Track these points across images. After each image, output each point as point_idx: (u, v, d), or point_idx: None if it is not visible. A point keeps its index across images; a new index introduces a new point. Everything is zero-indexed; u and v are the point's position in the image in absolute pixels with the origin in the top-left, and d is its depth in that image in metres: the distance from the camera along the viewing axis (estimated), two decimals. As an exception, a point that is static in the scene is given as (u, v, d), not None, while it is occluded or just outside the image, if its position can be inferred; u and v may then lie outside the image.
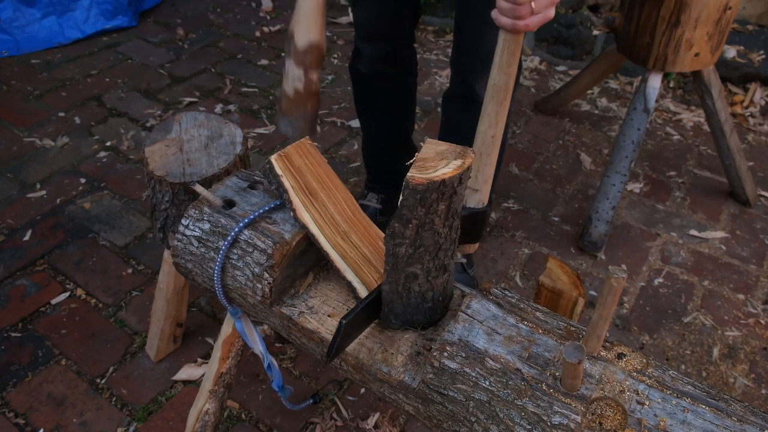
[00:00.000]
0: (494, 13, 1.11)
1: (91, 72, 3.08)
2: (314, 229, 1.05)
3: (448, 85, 3.09)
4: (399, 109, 2.04)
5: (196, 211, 1.13)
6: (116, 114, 2.80)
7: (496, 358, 0.90)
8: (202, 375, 1.60)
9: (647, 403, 0.84)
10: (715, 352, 1.88)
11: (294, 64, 1.42)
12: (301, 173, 1.07)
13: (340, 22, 3.65)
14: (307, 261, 1.12)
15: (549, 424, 0.84)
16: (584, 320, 1.84)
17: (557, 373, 0.87)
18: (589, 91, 3.05)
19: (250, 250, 1.06)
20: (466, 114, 1.75)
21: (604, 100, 3.03)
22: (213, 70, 3.17)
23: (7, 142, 2.59)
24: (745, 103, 2.95)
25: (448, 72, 3.22)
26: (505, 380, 0.88)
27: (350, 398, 1.70)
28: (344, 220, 1.08)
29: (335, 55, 3.33)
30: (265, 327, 1.74)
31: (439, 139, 1.83)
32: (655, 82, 2.08)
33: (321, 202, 1.07)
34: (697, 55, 2.02)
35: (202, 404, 1.37)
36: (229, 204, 1.14)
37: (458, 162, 0.85)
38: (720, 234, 2.29)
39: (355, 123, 2.78)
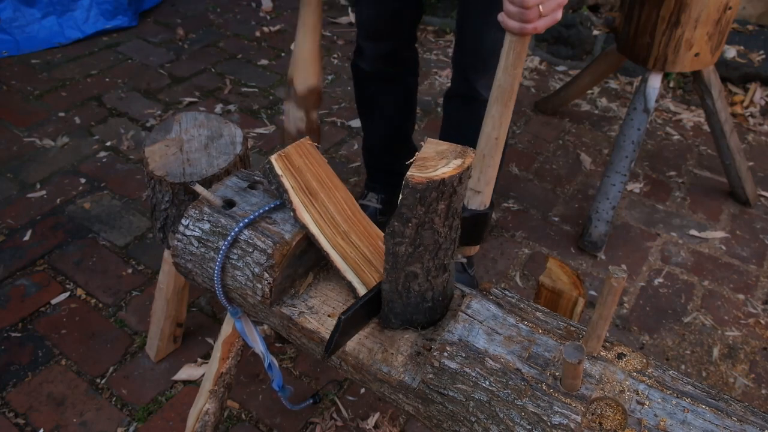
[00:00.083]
0: (501, 17, 1.10)
1: (91, 72, 3.08)
2: (314, 229, 1.05)
3: (448, 85, 3.10)
4: (399, 109, 2.05)
5: (196, 211, 1.13)
6: (116, 114, 2.80)
7: (496, 358, 0.90)
8: (202, 375, 1.60)
9: (647, 403, 0.84)
10: (715, 352, 1.88)
11: (295, 106, 1.56)
12: (301, 173, 1.07)
13: (340, 22, 3.65)
14: (307, 261, 1.12)
15: (549, 424, 0.84)
16: (584, 320, 1.84)
17: (557, 373, 0.87)
18: (589, 91, 3.05)
19: (250, 250, 1.06)
20: (467, 112, 1.75)
21: (604, 100, 3.03)
22: (213, 70, 3.17)
23: (7, 142, 2.59)
24: (745, 103, 2.95)
25: (448, 72, 3.22)
26: (505, 380, 0.88)
27: (350, 398, 1.70)
28: (344, 220, 1.08)
29: (335, 55, 3.33)
30: (265, 327, 1.74)
31: (441, 138, 1.85)
32: (655, 82, 2.08)
33: (321, 202, 1.07)
34: (697, 55, 2.02)
35: (202, 404, 1.37)
36: (229, 204, 1.14)
37: (458, 161, 0.85)
38: (720, 234, 2.29)
39: (355, 123, 2.78)
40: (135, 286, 1.99)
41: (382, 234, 1.11)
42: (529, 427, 0.85)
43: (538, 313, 0.97)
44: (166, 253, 1.55)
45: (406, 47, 1.90)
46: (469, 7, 1.62)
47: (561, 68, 3.30)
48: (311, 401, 1.64)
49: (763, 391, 1.77)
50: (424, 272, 0.94)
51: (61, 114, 2.77)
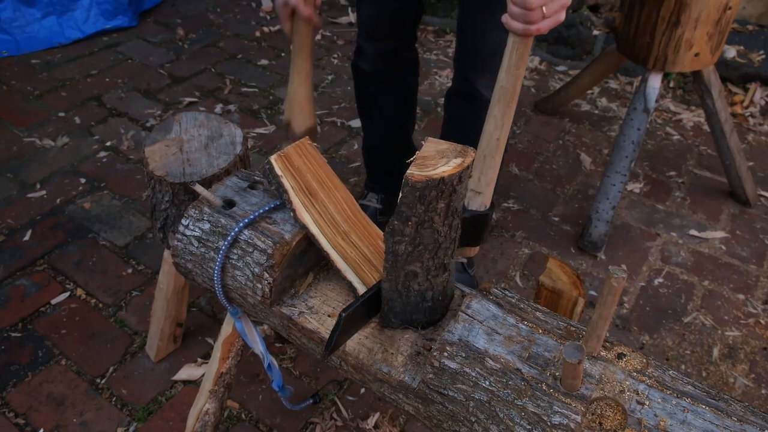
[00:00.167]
0: (505, 18, 1.10)
1: (91, 72, 3.08)
2: (314, 229, 1.05)
3: (448, 85, 3.10)
4: (399, 109, 2.05)
5: (196, 211, 1.13)
6: (116, 114, 2.80)
7: (496, 358, 0.90)
8: (202, 375, 1.60)
9: (647, 403, 0.84)
10: (715, 352, 1.88)
11: None
12: (300, 173, 1.07)
13: (340, 22, 3.65)
14: (307, 261, 1.12)
15: (549, 424, 0.84)
16: (584, 320, 1.84)
17: (557, 373, 0.87)
18: (589, 91, 3.05)
19: (250, 250, 1.06)
20: (468, 111, 1.75)
21: (604, 100, 3.03)
22: (213, 70, 3.17)
23: (7, 142, 2.59)
24: (745, 103, 2.95)
25: (448, 72, 3.22)
26: (505, 380, 0.88)
27: (350, 398, 1.70)
28: (344, 220, 1.08)
29: (335, 55, 3.33)
30: (265, 327, 1.74)
31: (442, 137, 1.85)
32: (655, 82, 2.08)
33: (321, 202, 1.07)
34: (697, 55, 2.02)
35: (202, 404, 1.37)
36: (229, 204, 1.14)
37: (458, 160, 0.85)
38: (720, 234, 2.29)
39: (355, 123, 2.78)
40: (135, 286, 1.99)
41: (382, 234, 1.11)
42: (529, 427, 0.85)
43: (538, 313, 0.97)
44: (166, 253, 1.55)
45: (406, 47, 1.91)
46: (470, 8, 1.62)
47: (561, 68, 3.30)
48: (311, 401, 1.64)
49: (763, 391, 1.77)
50: (424, 271, 0.94)
51: (61, 114, 2.77)
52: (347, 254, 1.06)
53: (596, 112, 2.96)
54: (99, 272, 2.03)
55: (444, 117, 1.91)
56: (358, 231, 1.09)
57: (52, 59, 3.16)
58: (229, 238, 1.07)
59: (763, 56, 3.01)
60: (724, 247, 2.24)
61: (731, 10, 1.95)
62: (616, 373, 0.87)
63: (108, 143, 2.61)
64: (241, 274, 1.08)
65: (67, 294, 1.95)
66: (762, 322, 1.97)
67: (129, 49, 3.30)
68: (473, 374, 0.90)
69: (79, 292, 1.96)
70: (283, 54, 3.33)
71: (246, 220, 1.08)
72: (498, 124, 1.17)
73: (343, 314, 0.95)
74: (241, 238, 1.07)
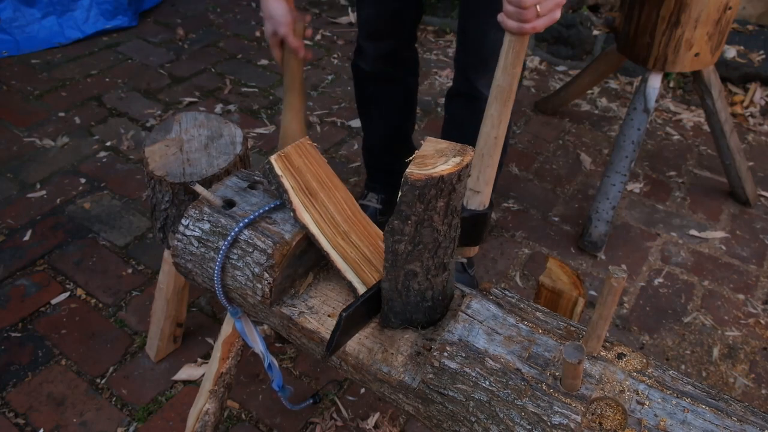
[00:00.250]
0: (500, 17, 1.11)
1: (91, 72, 3.08)
2: (314, 229, 1.05)
3: (448, 85, 3.10)
4: (399, 109, 2.05)
5: (196, 211, 1.13)
6: (116, 114, 2.80)
7: (496, 358, 0.90)
8: (202, 375, 1.60)
9: (647, 403, 0.84)
10: (715, 352, 1.88)
11: None
12: (300, 173, 1.07)
13: (340, 22, 3.65)
14: (307, 261, 1.12)
15: (549, 424, 0.84)
16: (584, 320, 1.84)
17: (557, 373, 0.87)
18: (589, 91, 3.05)
19: (250, 250, 1.06)
20: (468, 111, 1.76)
21: (604, 100, 3.03)
22: (213, 70, 3.17)
23: (7, 142, 2.59)
24: (745, 103, 2.95)
25: (448, 72, 3.22)
26: (505, 380, 0.88)
27: (350, 398, 1.70)
28: (344, 220, 1.08)
29: (335, 55, 3.33)
30: (265, 327, 1.74)
31: (442, 137, 1.85)
32: (655, 82, 2.08)
33: (321, 202, 1.07)
34: (697, 55, 2.02)
35: (202, 404, 1.37)
36: (229, 204, 1.14)
37: (457, 159, 0.85)
38: (720, 234, 2.29)
39: (355, 123, 2.78)
40: (135, 286, 1.99)
41: (382, 234, 1.11)
42: (529, 427, 0.85)
43: (538, 313, 0.97)
44: (166, 253, 1.55)
45: (407, 47, 1.91)
46: (471, 8, 1.63)
47: (561, 68, 3.30)
48: (311, 401, 1.64)
49: (763, 391, 1.77)
50: (424, 271, 0.94)
51: (61, 114, 2.77)
52: (347, 254, 1.06)
53: (596, 112, 2.96)
54: (99, 272, 2.03)
55: (445, 117, 1.91)
56: (358, 231, 1.09)
57: (52, 59, 3.16)
58: (229, 238, 1.07)
59: (763, 56, 3.01)
60: (724, 247, 2.24)
61: (731, 10, 1.95)
62: (616, 373, 0.87)
63: (108, 143, 2.61)
64: (241, 274, 1.08)
65: (67, 294, 1.95)
66: (762, 322, 1.97)
67: (129, 49, 3.30)
68: (473, 374, 0.90)
69: (79, 292, 1.96)
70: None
71: (246, 220, 1.08)
72: (495, 122, 1.17)
73: (344, 314, 0.95)
74: (241, 238, 1.07)
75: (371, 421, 1.64)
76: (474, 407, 0.90)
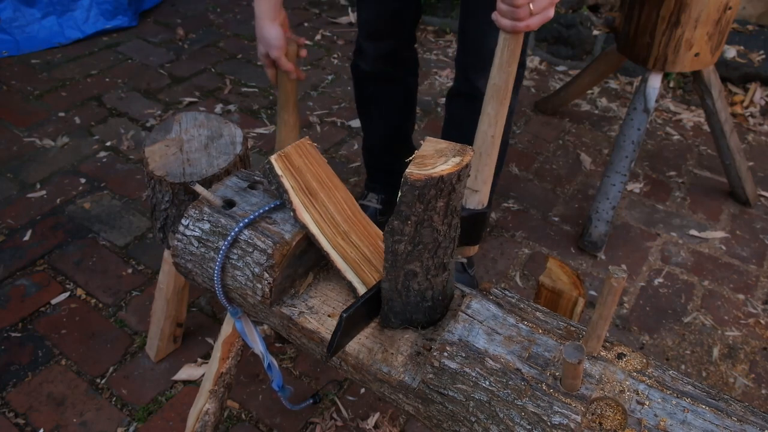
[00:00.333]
0: (494, 15, 1.12)
1: (91, 72, 3.08)
2: (314, 229, 1.05)
3: (448, 85, 3.10)
4: (399, 109, 2.05)
5: (196, 211, 1.13)
6: (116, 114, 2.80)
7: (496, 358, 0.90)
8: (202, 375, 1.60)
9: (647, 403, 0.84)
10: (715, 352, 1.88)
11: None
12: (301, 173, 1.07)
13: (340, 22, 3.66)
14: (307, 261, 1.12)
15: (549, 424, 0.84)
16: (584, 320, 1.84)
17: (557, 373, 0.87)
18: (589, 91, 3.05)
19: (250, 250, 1.06)
20: (469, 111, 1.76)
21: (604, 100, 3.03)
22: (213, 70, 3.17)
23: (7, 142, 2.59)
24: (745, 103, 2.95)
25: (448, 72, 3.22)
26: (505, 380, 0.88)
27: (350, 398, 1.70)
28: (344, 220, 1.08)
29: (335, 55, 3.34)
30: (265, 327, 1.74)
31: (443, 137, 1.85)
32: (655, 82, 2.08)
33: (321, 202, 1.07)
34: (697, 55, 2.02)
35: (202, 404, 1.37)
36: (229, 204, 1.14)
37: (457, 159, 0.85)
38: (720, 234, 2.29)
39: (355, 123, 2.78)
40: (135, 286, 1.99)
41: (383, 234, 1.11)
42: (529, 427, 0.85)
43: (538, 313, 0.97)
44: (166, 253, 1.55)
45: (406, 47, 1.91)
46: (471, 8, 1.63)
47: (561, 68, 3.30)
48: (311, 401, 1.64)
49: (763, 391, 1.77)
50: (424, 271, 0.94)
51: (61, 114, 2.77)
52: (347, 254, 1.06)
53: (596, 112, 2.96)
54: (99, 272, 2.03)
55: (445, 117, 1.92)
56: (358, 231, 1.09)
57: (52, 59, 3.16)
58: (229, 238, 1.07)
59: (763, 56, 3.01)
60: (724, 247, 2.24)
61: (731, 10, 1.95)
62: (616, 373, 0.87)
63: (108, 143, 2.61)
64: (241, 274, 1.08)
65: (67, 294, 1.95)
66: (762, 322, 1.97)
67: (129, 49, 3.30)
68: (473, 374, 0.90)
69: (79, 292, 1.96)
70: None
71: (246, 220, 1.08)
72: (492, 121, 1.17)
73: (344, 315, 0.95)
74: (241, 238, 1.07)
75: (371, 421, 1.64)
76: (474, 407, 0.90)
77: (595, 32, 3.24)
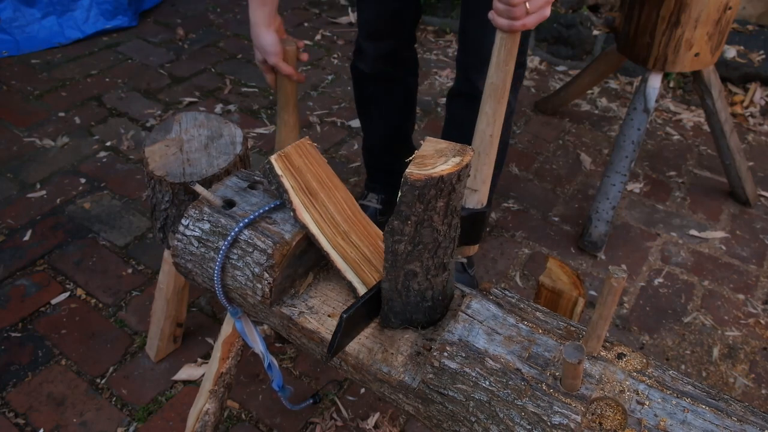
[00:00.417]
0: (491, 15, 1.12)
1: (91, 72, 3.08)
2: (314, 229, 1.05)
3: (448, 85, 3.10)
4: (399, 110, 2.05)
5: (196, 211, 1.13)
6: (116, 114, 2.80)
7: (496, 358, 0.90)
8: (202, 375, 1.60)
9: (647, 403, 0.84)
10: (715, 352, 1.88)
11: None
12: (301, 173, 1.07)
13: (340, 22, 3.65)
14: (307, 261, 1.12)
15: (549, 424, 0.84)
16: (584, 320, 1.84)
17: (557, 373, 0.87)
18: (589, 91, 3.05)
19: (250, 250, 1.06)
20: (469, 111, 1.76)
21: (604, 100, 3.03)
22: (213, 70, 3.17)
23: (7, 142, 2.59)
24: (745, 103, 2.95)
25: (448, 72, 3.22)
26: (505, 380, 0.88)
27: (350, 398, 1.70)
28: (344, 220, 1.08)
29: (335, 55, 3.34)
30: (265, 327, 1.74)
31: (443, 136, 1.85)
32: (655, 82, 2.08)
33: (321, 202, 1.07)
34: (697, 55, 2.02)
35: (202, 404, 1.37)
36: (229, 204, 1.14)
37: (457, 159, 0.85)
38: (720, 234, 2.29)
39: (355, 123, 2.78)
40: (135, 286, 1.99)
41: (383, 234, 1.11)
42: (529, 427, 0.85)
43: (538, 313, 0.97)
44: (166, 253, 1.55)
45: (406, 47, 1.91)
46: (471, 8, 1.63)
47: (561, 68, 3.30)
48: (311, 401, 1.64)
49: (763, 391, 1.77)
50: (424, 271, 0.94)
51: (61, 114, 2.77)
52: (347, 254, 1.06)
53: (596, 112, 2.96)
54: (99, 272, 2.03)
55: (445, 117, 1.92)
56: (358, 231, 1.09)
57: (52, 59, 3.16)
58: (229, 238, 1.07)
59: (763, 56, 3.01)
60: (724, 247, 2.24)
61: (731, 10, 1.95)
62: (616, 373, 0.87)
63: (108, 143, 2.61)
64: (241, 274, 1.08)
65: (67, 294, 1.95)
66: (762, 322, 1.97)
67: (129, 49, 3.30)
68: (473, 374, 0.90)
69: (79, 292, 1.96)
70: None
71: (246, 220, 1.08)
72: (490, 120, 1.18)
73: (345, 315, 0.95)
74: (241, 238, 1.07)
75: (371, 421, 1.64)
76: (474, 407, 0.90)
77: (595, 32, 3.24)
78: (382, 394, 1.04)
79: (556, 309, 1.15)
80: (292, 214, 1.05)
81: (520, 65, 1.70)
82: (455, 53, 2.98)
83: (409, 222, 0.87)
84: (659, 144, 2.75)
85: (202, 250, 1.11)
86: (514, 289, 2.05)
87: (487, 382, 0.89)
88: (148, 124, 2.74)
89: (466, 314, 0.95)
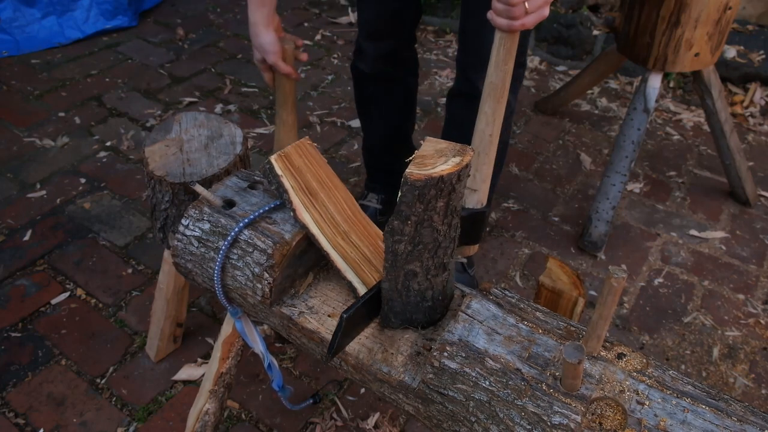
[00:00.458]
0: (490, 15, 1.12)
1: (91, 72, 3.08)
2: (314, 229, 1.05)
3: (448, 85, 3.10)
4: (399, 109, 2.05)
5: (196, 211, 1.13)
6: (116, 114, 2.80)
7: (496, 358, 0.90)
8: (202, 375, 1.60)
9: (647, 403, 0.84)
10: (715, 352, 1.88)
11: None
12: (301, 173, 1.07)
13: (340, 22, 3.65)
14: (307, 261, 1.12)
15: (549, 424, 0.84)
16: (584, 320, 1.84)
17: (557, 373, 0.87)
18: (589, 91, 3.05)
19: (250, 250, 1.06)
20: (469, 111, 1.76)
21: (604, 100, 3.03)
22: (213, 70, 3.17)
23: (7, 142, 2.59)
24: (745, 103, 2.95)
25: (448, 72, 3.22)
26: (505, 380, 0.88)
27: (350, 398, 1.70)
28: (344, 220, 1.08)
29: (335, 55, 3.33)
30: (265, 327, 1.74)
31: (443, 136, 1.85)
32: (655, 82, 2.08)
33: (321, 202, 1.07)
34: (697, 55, 2.02)
35: (202, 404, 1.37)
36: (229, 204, 1.14)
37: (457, 159, 0.85)
38: (720, 234, 2.29)
39: (355, 123, 2.78)
40: (135, 286, 1.99)
41: (382, 234, 1.11)
42: (529, 427, 0.85)
43: (538, 313, 0.97)
44: (166, 253, 1.55)
45: (406, 47, 1.91)
46: (471, 8, 1.63)
47: (561, 68, 3.30)
48: (311, 401, 1.64)
49: (763, 391, 1.77)
50: (424, 271, 0.94)
51: (61, 114, 2.77)
52: (347, 254, 1.06)
53: (596, 112, 2.96)
54: (99, 272, 2.03)
55: (445, 117, 1.92)
56: (358, 231, 1.09)
57: (52, 59, 3.16)
58: (229, 238, 1.07)
59: (763, 56, 3.01)
60: (724, 247, 2.24)
61: (731, 10, 1.95)
62: (616, 373, 0.87)
63: (108, 143, 2.61)
64: (241, 274, 1.08)
65: (67, 294, 1.95)
66: (762, 322, 1.97)
67: (129, 49, 3.30)
68: (473, 374, 0.90)
69: (79, 292, 1.96)
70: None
71: (246, 220, 1.08)
72: (489, 120, 1.18)
73: (345, 315, 0.95)
74: (241, 238, 1.07)
75: (371, 421, 1.64)
76: (474, 407, 0.90)
77: (595, 32, 3.24)
78: (382, 394, 1.04)
79: (556, 309, 1.15)
80: (292, 214, 1.05)
81: (520, 65, 1.70)
82: (455, 53, 2.98)
83: (409, 222, 0.87)
84: (659, 144, 2.75)
85: (202, 250, 1.11)
86: (514, 289, 2.05)
87: (487, 382, 0.89)
88: (148, 124, 2.74)
89: (466, 314, 0.95)
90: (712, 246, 2.24)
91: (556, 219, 2.33)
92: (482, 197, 1.25)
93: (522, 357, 0.89)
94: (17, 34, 3.17)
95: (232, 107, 2.88)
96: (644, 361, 0.89)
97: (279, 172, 1.05)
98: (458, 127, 1.83)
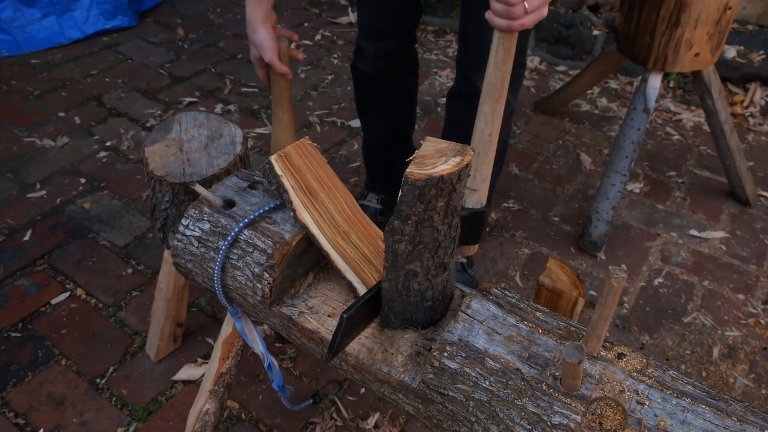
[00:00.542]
0: (488, 15, 1.12)
1: (91, 72, 3.08)
2: (314, 229, 1.05)
3: (448, 85, 3.10)
4: (399, 109, 2.05)
5: (196, 211, 1.13)
6: (116, 114, 2.80)
7: (496, 358, 0.90)
8: (202, 375, 1.60)
9: (647, 403, 0.84)
10: (715, 352, 1.88)
11: None
12: (301, 173, 1.07)
13: (340, 22, 3.66)
14: (307, 261, 1.12)
15: (549, 424, 0.84)
16: (584, 320, 1.84)
17: (557, 373, 0.87)
18: (589, 91, 3.05)
19: (250, 250, 1.06)
20: (469, 111, 1.76)
21: (604, 100, 3.03)
22: (213, 70, 3.17)
23: (7, 142, 2.59)
24: (745, 103, 2.95)
25: (448, 72, 3.22)
26: (505, 380, 0.88)
27: (350, 398, 1.70)
28: (344, 220, 1.08)
29: (335, 55, 3.33)
30: (265, 327, 1.74)
31: (443, 136, 1.85)
32: (655, 82, 2.08)
33: (321, 202, 1.07)
34: (697, 55, 2.02)
35: (202, 404, 1.37)
36: (229, 204, 1.14)
37: (457, 159, 0.85)
38: (720, 234, 2.29)
39: (355, 123, 2.78)
40: (135, 286, 1.99)
41: (382, 234, 1.11)
42: (529, 427, 0.85)
43: (538, 313, 0.97)
44: (166, 253, 1.55)
45: (406, 47, 1.91)
46: (471, 8, 1.63)
47: (561, 68, 3.30)
48: (311, 401, 1.64)
49: (763, 391, 1.77)
50: (424, 270, 0.94)
51: (61, 114, 2.77)
52: (347, 254, 1.06)
53: (596, 112, 2.96)
54: (99, 272, 2.03)
55: (445, 117, 1.92)
56: (358, 231, 1.09)
57: (52, 59, 3.16)
58: (229, 238, 1.07)
59: (763, 56, 3.01)
60: (724, 247, 2.24)
61: (731, 10, 1.95)
62: (616, 373, 0.87)
63: (108, 143, 2.61)
64: (241, 274, 1.08)
65: (67, 294, 1.95)
66: (762, 322, 1.97)
67: (129, 49, 3.30)
68: (473, 374, 0.90)
69: (79, 292, 1.96)
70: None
71: (246, 220, 1.08)
72: (488, 120, 1.18)
73: (345, 315, 0.95)
74: (241, 238, 1.07)
75: (371, 421, 1.64)
76: (474, 407, 0.90)
77: (595, 32, 3.24)
78: (382, 394, 1.04)
79: (556, 309, 1.15)
80: (292, 214, 1.05)
81: (520, 65, 1.70)
82: (455, 53, 2.98)
83: (410, 222, 0.87)
84: (659, 144, 2.75)
85: (202, 250, 1.11)
86: (514, 289, 2.05)
87: (487, 382, 0.89)
88: (148, 124, 2.74)
89: (466, 314, 0.95)
90: (712, 246, 2.24)
91: (556, 219, 2.33)
92: (482, 197, 1.25)
93: (522, 357, 0.89)
94: (17, 34, 3.17)
95: (232, 107, 2.88)
96: (644, 361, 0.89)
97: (279, 172, 1.05)
98: (458, 127, 1.83)
